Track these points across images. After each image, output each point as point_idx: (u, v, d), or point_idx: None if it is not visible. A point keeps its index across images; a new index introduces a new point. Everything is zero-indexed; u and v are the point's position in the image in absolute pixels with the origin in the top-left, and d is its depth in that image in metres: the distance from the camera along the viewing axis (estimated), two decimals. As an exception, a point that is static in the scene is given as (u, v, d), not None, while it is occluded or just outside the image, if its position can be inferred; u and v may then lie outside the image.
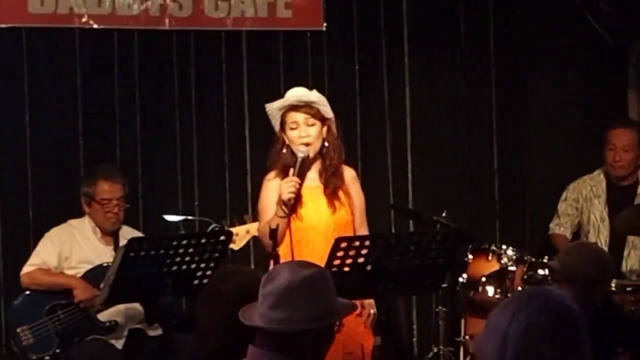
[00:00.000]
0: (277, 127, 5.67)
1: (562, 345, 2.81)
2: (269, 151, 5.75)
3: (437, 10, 7.95)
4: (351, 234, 5.60)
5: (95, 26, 7.22)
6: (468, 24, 7.94)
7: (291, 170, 5.57)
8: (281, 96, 5.78)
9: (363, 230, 5.77)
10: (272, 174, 5.67)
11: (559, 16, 7.89)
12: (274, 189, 5.61)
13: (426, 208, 7.27)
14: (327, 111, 5.67)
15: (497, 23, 7.95)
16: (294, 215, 5.57)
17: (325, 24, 7.62)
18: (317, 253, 5.30)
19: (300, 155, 5.55)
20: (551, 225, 7.18)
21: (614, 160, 6.94)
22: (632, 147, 6.90)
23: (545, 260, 6.47)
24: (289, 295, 3.40)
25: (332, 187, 5.68)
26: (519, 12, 8.01)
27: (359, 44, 7.79)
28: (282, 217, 5.52)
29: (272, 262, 5.30)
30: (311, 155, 5.61)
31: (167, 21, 7.35)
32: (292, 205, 5.54)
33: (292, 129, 5.59)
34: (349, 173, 5.81)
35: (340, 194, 5.71)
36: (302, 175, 5.59)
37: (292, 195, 5.51)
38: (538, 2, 7.94)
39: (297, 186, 5.54)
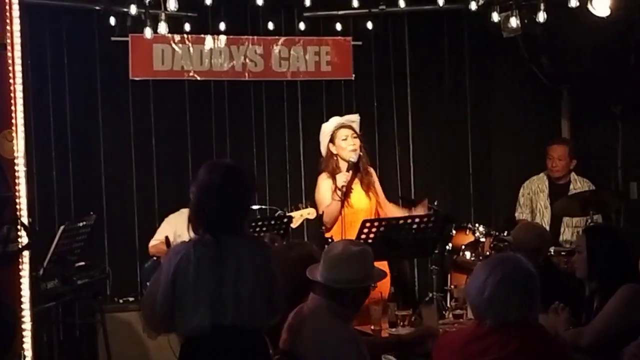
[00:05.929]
0: (326, 142, 5.60)
1: (524, 295, 2.87)
2: (321, 159, 5.68)
3: (429, 67, 7.85)
4: (376, 216, 5.58)
5: (198, 78, 7.29)
6: (450, 73, 7.86)
7: (345, 169, 5.55)
8: (323, 123, 5.78)
9: (390, 207, 5.73)
10: (324, 175, 5.62)
11: (515, 68, 7.84)
12: (327, 185, 5.59)
13: (424, 198, 7.25)
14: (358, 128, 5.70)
15: (472, 73, 7.91)
16: (347, 202, 5.54)
17: (353, 75, 7.64)
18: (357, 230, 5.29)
19: (352, 159, 5.53)
20: (516, 214, 7.14)
21: (552, 166, 6.92)
22: (564, 157, 6.89)
23: (505, 235, 6.46)
24: (341, 264, 3.45)
25: (367, 183, 5.67)
26: (488, 67, 7.92)
27: (376, 87, 7.76)
28: (338, 201, 5.48)
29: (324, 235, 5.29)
30: (354, 159, 5.57)
31: (246, 74, 7.40)
32: (345, 193, 5.51)
33: (343, 140, 5.55)
34: (372, 172, 5.80)
35: (371, 187, 5.70)
36: (354, 173, 5.56)
37: (345, 183, 5.47)
38: (501, 59, 7.87)
39: (348, 178, 5.50)
